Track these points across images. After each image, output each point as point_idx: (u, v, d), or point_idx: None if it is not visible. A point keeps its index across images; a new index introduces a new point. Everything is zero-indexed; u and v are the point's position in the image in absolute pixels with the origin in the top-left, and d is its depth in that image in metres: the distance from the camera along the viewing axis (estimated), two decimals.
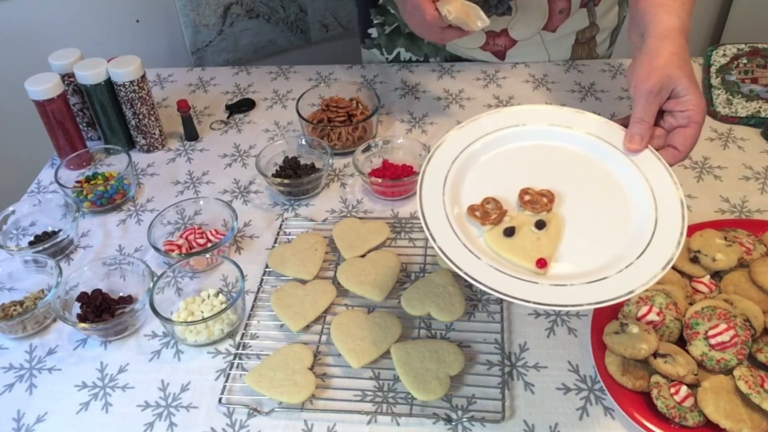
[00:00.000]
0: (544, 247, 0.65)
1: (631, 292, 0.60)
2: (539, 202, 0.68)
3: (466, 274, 0.61)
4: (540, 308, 0.59)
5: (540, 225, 0.67)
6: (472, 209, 0.68)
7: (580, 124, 0.75)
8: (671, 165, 0.70)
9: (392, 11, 1.19)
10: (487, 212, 0.68)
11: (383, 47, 1.24)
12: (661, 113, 0.73)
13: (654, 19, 0.74)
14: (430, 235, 0.65)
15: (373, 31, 1.23)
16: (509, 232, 0.66)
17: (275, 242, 0.92)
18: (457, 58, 1.23)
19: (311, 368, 0.74)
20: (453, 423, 0.70)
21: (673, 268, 0.80)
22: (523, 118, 0.76)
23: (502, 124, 0.75)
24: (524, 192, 0.70)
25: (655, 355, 0.69)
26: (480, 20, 0.87)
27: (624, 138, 0.72)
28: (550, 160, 0.73)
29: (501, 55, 1.19)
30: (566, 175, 0.72)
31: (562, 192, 0.70)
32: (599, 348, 0.73)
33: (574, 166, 0.73)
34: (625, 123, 0.73)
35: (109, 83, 1.03)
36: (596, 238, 0.66)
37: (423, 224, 0.65)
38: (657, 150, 0.71)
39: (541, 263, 0.64)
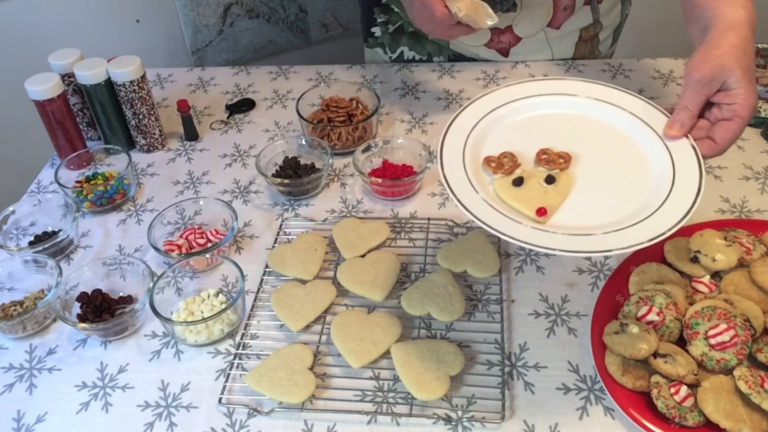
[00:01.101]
0: (549, 200, 0.68)
1: (608, 251, 0.61)
2: (555, 162, 0.71)
3: (452, 191, 0.66)
4: (509, 240, 0.62)
5: (550, 180, 0.70)
6: (488, 159, 0.72)
7: (625, 103, 0.76)
8: (706, 157, 0.69)
9: (396, 9, 1.19)
10: (502, 164, 0.71)
11: (387, 46, 1.24)
12: (710, 106, 0.72)
13: (717, 12, 0.73)
14: (440, 159, 0.70)
15: (377, 30, 1.23)
16: (518, 181, 0.69)
17: (275, 242, 0.92)
18: (460, 56, 1.23)
19: (311, 368, 0.74)
20: (453, 423, 0.70)
21: (673, 268, 0.80)
22: (572, 88, 0.78)
23: (547, 90, 0.78)
24: (542, 152, 0.73)
25: (655, 355, 0.69)
26: (489, 17, 0.87)
27: (665, 123, 0.72)
28: (583, 129, 0.76)
29: (505, 53, 1.19)
30: (593, 144, 0.74)
31: (583, 156, 0.72)
32: (599, 348, 0.73)
33: (605, 138, 0.75)
34: (672, 110, 0.73)
35: (109, 83, 1.03)
36: (602, 203, 0.68)
37: (438, 153, 0.71)
38: (695, 141, 0.71)
39: (541, 212, 0.66)
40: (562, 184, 0.70)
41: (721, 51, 0.70)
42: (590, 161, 0.72)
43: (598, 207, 0.67)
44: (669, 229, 0.63)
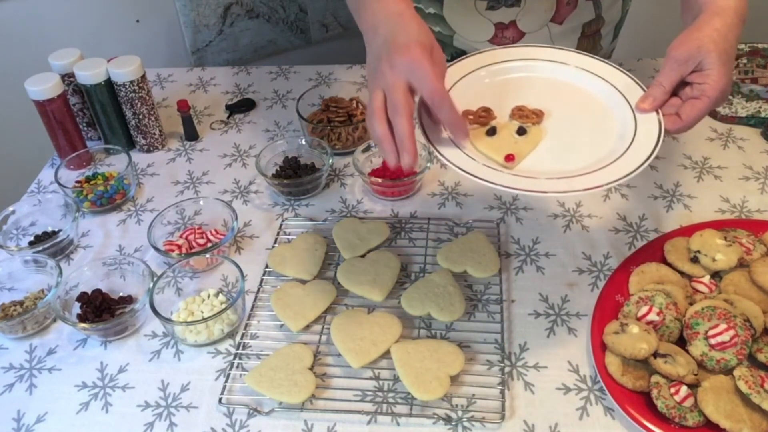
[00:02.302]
0: (518, 148, 0.72)
1: (542, 192, 0.66)
2: (528, 117, 0.75)
3: (426, 135, 0.70)
4: (453, 168, 0.67)
5: (521, 131, 0.74)
6: (466, 113, 0.75)
7: (609, 75, 0.80)
8: (669, 132, 0.72)
9: None
10: (479, 116, 0.75)
11: None
12: (684, 85, 0.74)
13: (708, 1, 0.74)
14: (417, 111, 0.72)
15: None
16: (491, 131, 0.74)
17: (275, 242, 0.92)
18: (463, 54, 1.22)
19: (311, 368, 0.74)
20: (453, 423, 0.70)
21: (673, 268, 0.80)
22: (563, 57, 0.82)
23: (537, 56, 0.82)
24: (518, 108, 0.76)
25: (655, 355, 0.69)
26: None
27: (639, 97, 0.75)
28: (563, 94, 0.80)
29: None
30: (568, 106, 0.78)
31: (557, 115, 0.77)
32: (599, 348, 0.73)
33: (581, 103, 0.79)
34: None
35: (109, 83, 1.03)
36: (562, 157, 0.72)
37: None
38: (664, 116, 0.74)
39: (509, 158, 0.70)
40: (532, 136, 0.74)
41: (702, 33, 0.72)
42: (562, 120, 0.77)
43: (557, 159, 0.72)
44: (599, 185, 0.66)
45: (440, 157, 0.68)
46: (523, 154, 0.72)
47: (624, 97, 0.77)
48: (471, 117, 0.75)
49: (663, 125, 0.72)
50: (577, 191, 0.66)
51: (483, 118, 0.75)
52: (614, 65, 0.80)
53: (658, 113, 0.74)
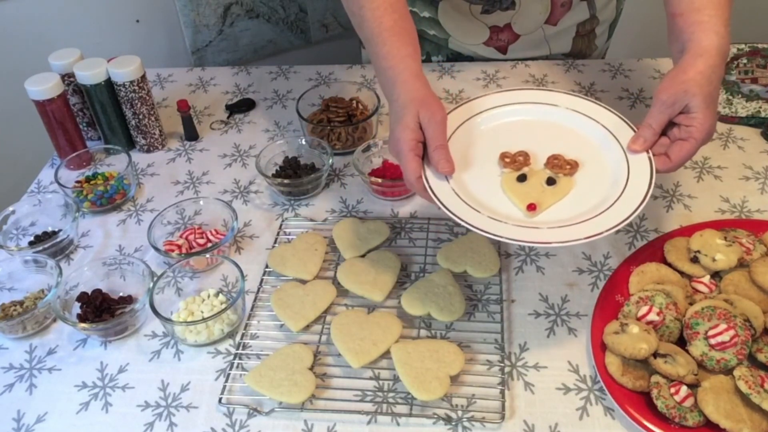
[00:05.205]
0: (543, 198, 0.75)
1: (545, 243, 0.69)
2: (562, 167, 0.78)
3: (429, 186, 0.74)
4: (455, 220, 0.71)
5: (550, 182, 0.77)
6: (504, 155, 0.79)
7: (601, 117, 0.82)
8: (659, 172, 0.76)
9: None
10: (515, 160, 0.79)
11: None
12: (672, 125, 0.77)
13: (692, 37, 0.77)
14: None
15: None
16: (522, 178, 0.77)
17: (275, 242, 0.92)
18: (459, 55, 1.23)
19: (311, 368, 0.74)
20: (453, 423, 0.70)
21: (673, 268, 0.80)
22: (553, 99, 0.85)
23: (530, 99, 0.85)
24: (554, 156, 0.79)
25: (655, 355, 0.69)
26: None
27: (630, 138, 0.78)
28: (556, 136, 0.82)
29: (503, 50, 1.19)
30: (561, 150, 0.80)
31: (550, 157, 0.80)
32: (599, 348, 0.73)
33: (573, 146, 0.81)
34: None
35: (109, 83, 1.03)
36: (564, 202, 0.75)
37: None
38: (654, 155, 0.77)
39: (531, 207, 0.74)
40: (560, 187, 0.76)
41: (687, 76, 0.75)
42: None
43: (557, 206, 0.75)
44: (601, 233, 0.69)
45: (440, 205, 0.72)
46: (546, 204, 0.74)
47: (615, 137, 0.79)
48: (507, 159, 0.78)
49: (654, 168, 0.75)
50: (579, 240, 0.69)
51: (518, 164, 0.78)
52: (603, 105, 0.83)
53: (648, 153, 0.76)
